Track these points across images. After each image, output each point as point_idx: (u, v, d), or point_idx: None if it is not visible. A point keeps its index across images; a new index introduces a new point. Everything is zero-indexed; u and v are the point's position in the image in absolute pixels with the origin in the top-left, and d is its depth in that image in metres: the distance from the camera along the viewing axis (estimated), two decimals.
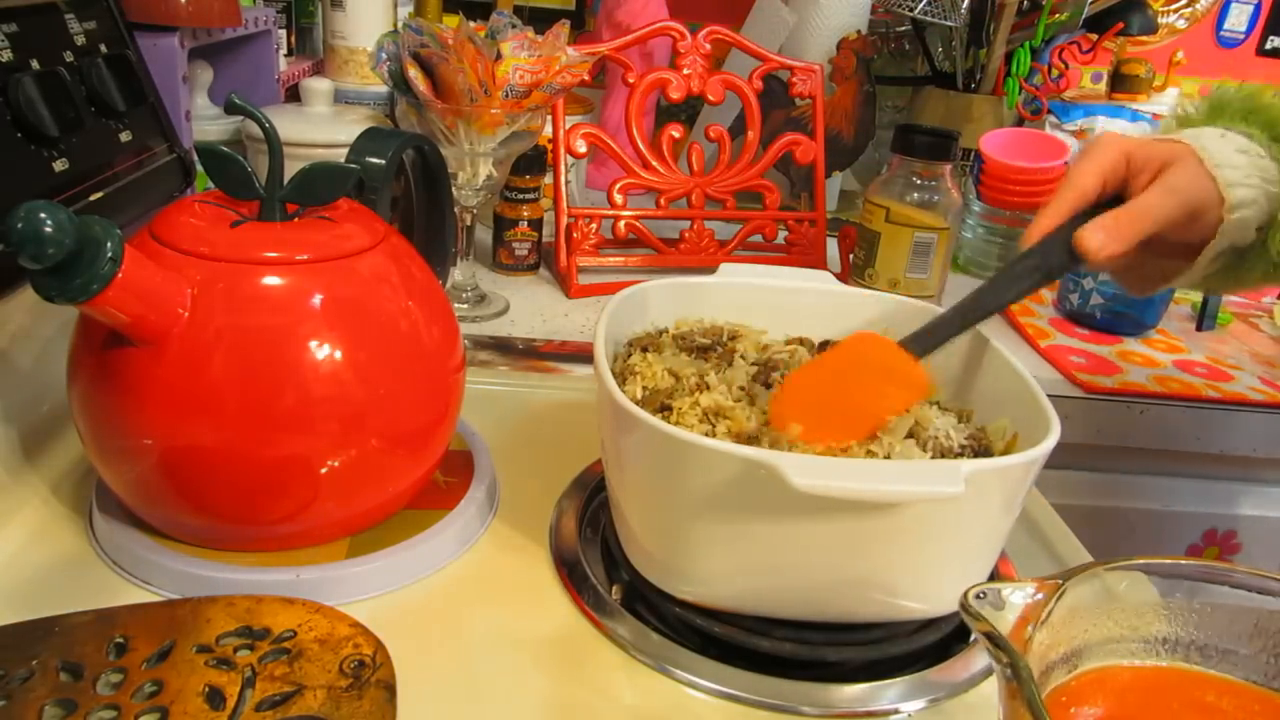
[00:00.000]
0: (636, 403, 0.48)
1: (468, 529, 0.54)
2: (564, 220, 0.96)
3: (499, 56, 0.76)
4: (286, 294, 0.46)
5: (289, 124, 0.85)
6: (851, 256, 1.02)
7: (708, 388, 0.52)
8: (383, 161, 0.56)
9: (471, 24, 0.75)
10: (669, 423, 0.46)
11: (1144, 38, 1.37)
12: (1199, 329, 0.97)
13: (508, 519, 0.57)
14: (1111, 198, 0.55)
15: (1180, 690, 0.37)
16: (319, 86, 0.92)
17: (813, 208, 1.06)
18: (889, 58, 1.34)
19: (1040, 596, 0.34)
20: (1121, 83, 1.29)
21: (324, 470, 0.47)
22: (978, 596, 0.33)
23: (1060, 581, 0.34)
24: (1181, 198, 0.53)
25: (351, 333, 0.47)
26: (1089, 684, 0.36)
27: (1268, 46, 1.47)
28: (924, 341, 0.53)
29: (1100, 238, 0.52)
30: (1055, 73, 1.20)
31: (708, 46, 0.98)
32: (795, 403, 0.49)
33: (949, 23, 1.12)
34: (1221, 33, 1.47)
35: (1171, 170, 0.54)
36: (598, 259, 0.97)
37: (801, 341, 0.59)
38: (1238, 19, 1.46)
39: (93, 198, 0.61)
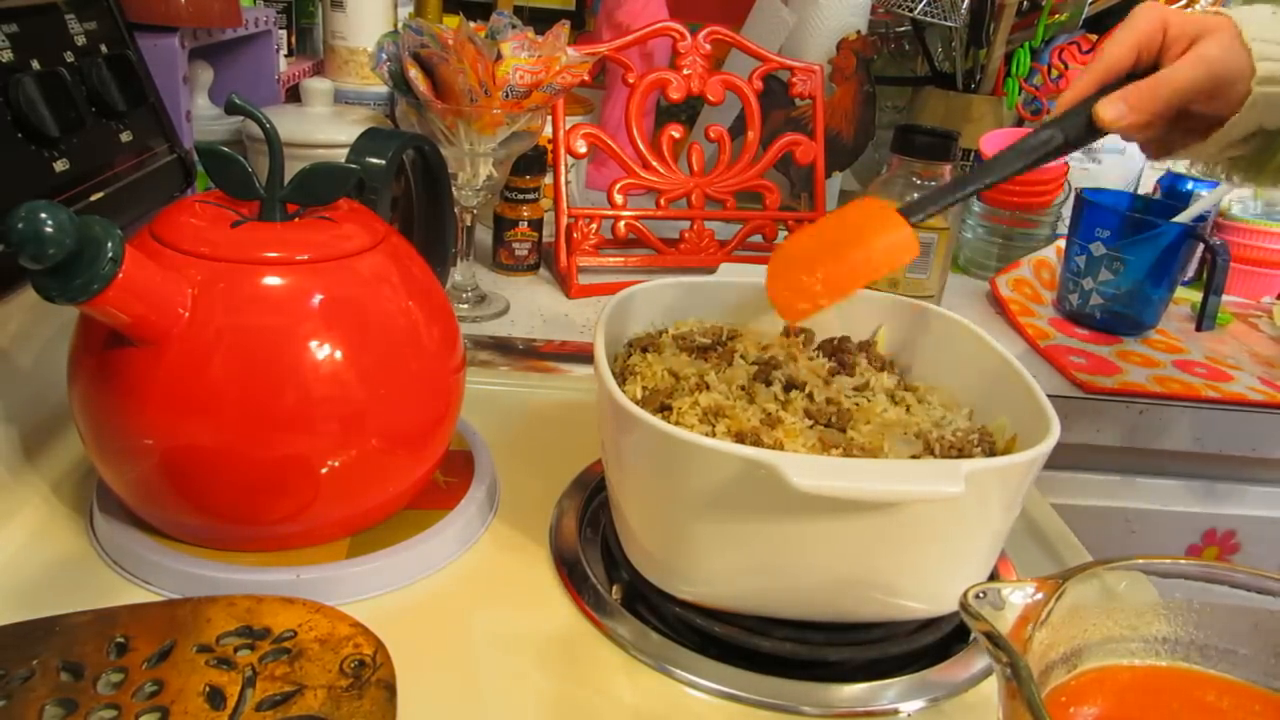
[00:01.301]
0: (636, 403, 0.48)
1: (468, 529, 0.54)
2: (564, 220, 0.96)
3: (499, 57, 0.76)
4: (287, 294, 0.46)
5: (289, 124, 0.85)
6: None
7: (708, 387, 0.52)
8: (383, 162, 0.56)
9: (472, 24, 0.75)
10: (669, 422, 0.46)
11: None
12: (1198, 329, 0.97)
13: (508, 519, 0.57)
14: (1148, 68, 0.55)
15: (1180, 690, 0.37)
16: (319, 87, 0.92)
17: (813, 208, 1.06)
18: (889, 58, 1.34)
19: (1040, 596, 0.34)
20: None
21: (324, 470, 0.47)
22: (977, 596, 0.33)
23: (1060, 581, 0.34)
24: (1210, 68, 0.53)
25: (352, 333, 0.47)
26: (1089, 684, 0.36)
27: None
28: (925, 202, 0.54)
29: (1119, 108, 0.53)
30: (1055, 73, 1.20)
31: (708, 47, 0.98)
32: (791, 259, 0.52)
33: (949, 23, 1.12)
34: None
35: (1205, 40, 0.53)
36: (598, 259, 0.97)
37: (803, 339, 0.59)
38: None
39: (93, 198, 0.61)
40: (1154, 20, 0.55)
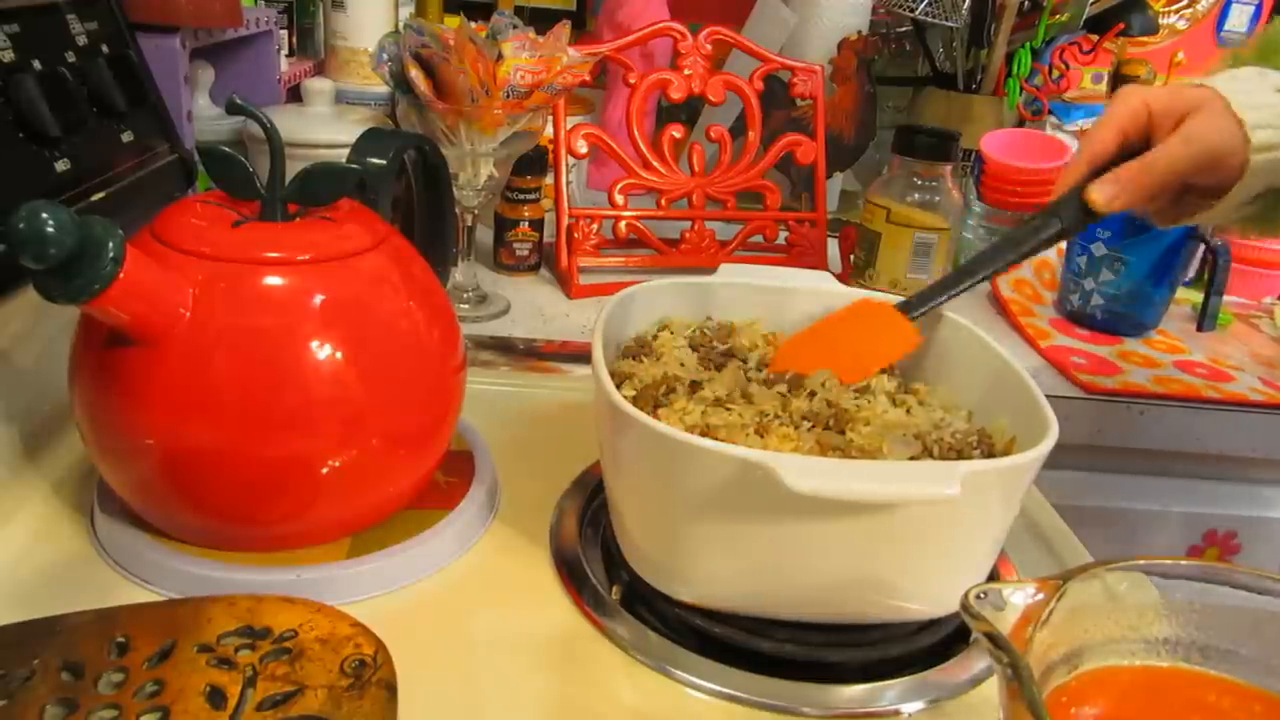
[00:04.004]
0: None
1: (468, 529, 0.54)
2: (565, 221, 0.96)
3: (500, 57, 0.76)
4: (288, 294, 0.46)
5: (290, 124, 0.85)
6: (852, 257, 1.02)
7: (703, 386, 0.52)
8: (384, 162, 0.56)
9: (472, 24, 0.75)
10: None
11: (1145, 38, 1.37)
12: (1199, 329, 0.97)
13: (508, 519, 0.57)
14: (1136, 150, 0.55)
15: (1181, 690, 0.37)
16: (320, 87, 0.92)
17: (813, 208, 1.06)
18: (890, 58, 1.34)
19: (1041, 597, 0.34)
20: (1122, 83, 1.29)
21: (325, 470, 0.47)
22: (978, 597, 0.33)
23: (1061, 582, 0.34)
24: (1201, 145, 0.52)
25: (352, 333, 0.47)
26: (1089, 684, 0.36)
27: None
28: (923, 298, 0.56)
29: (1110, 190, 0.53)
30: (1056, 73, 1.20)
31: (709, 47, 0.98)
32: (793, 357, 0.55)
33: (950, 23, 1.12)
34: (1222, 33, 1.47)
35: (1193, 117, 0.53)
36: (599, 259, 0.97)
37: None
38: (1238, 19, 1.46)
39: (94, 198, 0.61)
40: (1137, 102, 0.54)
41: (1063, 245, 1.04)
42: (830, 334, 0.57)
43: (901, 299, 0.58)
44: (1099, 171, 0.54)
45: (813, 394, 0.52)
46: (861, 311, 0.58)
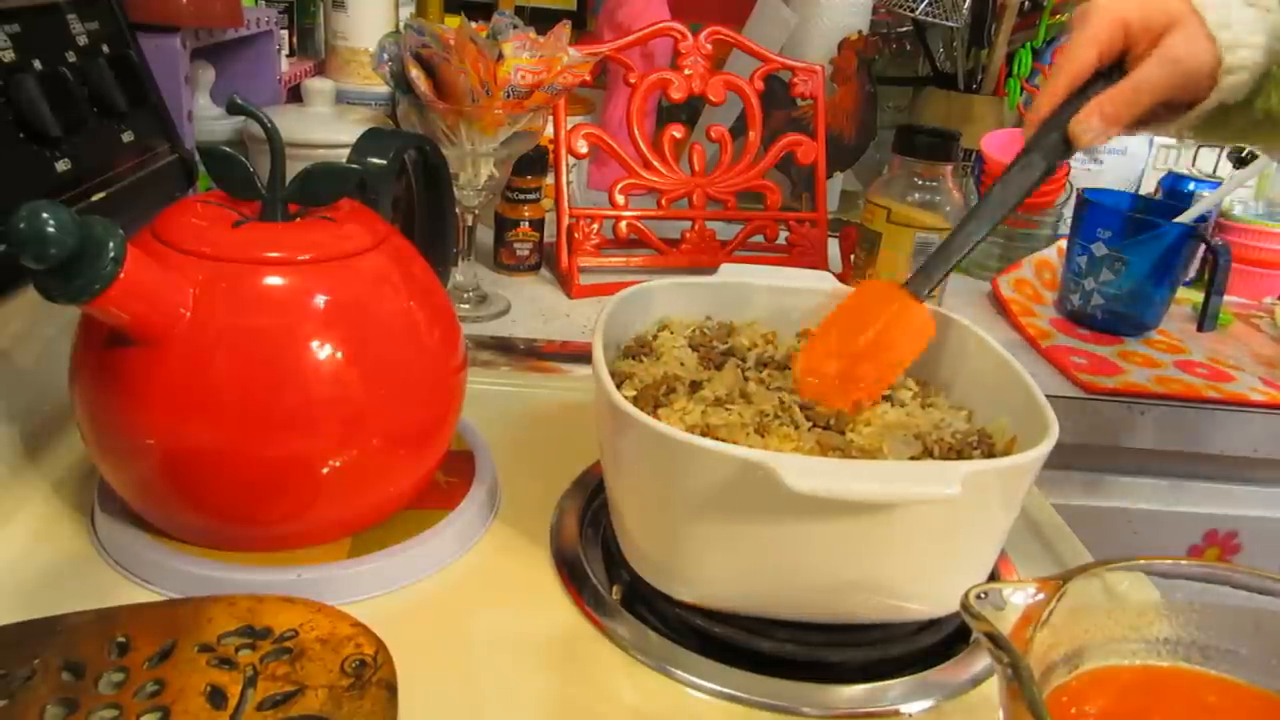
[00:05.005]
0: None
1: (469, 529, 0.54)
2: (565, 221, 0.96)
3: (500, 57, 0.76)
4: (288, 294, 0.46)
5: (291, 124, 0.85)
6: (852, 257, 1.02)
7: (703, 386, 0.52)
8: (384, 162, 0.56)
9: (473, 24, 0.75)
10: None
11: None
12: (1200, 329, 0.97)
13: (509, 519, 0.57)
14: (1110, 67, 0.54)
15: (1181, 690, 0.37)
16: (321, 87, 0.92)
17: (814, 208, 1.06)
18: (890, 58, 1.34)
19: (1041, 597, 0.34)
20: None
21: (325, 470, 0.47)
22: (979, 597, 0.33)
23: (1061, 582, 0.34)
24: (1182, 67, 0.52)
25: (353, 333, 0.47)
26: (1090, 684, 0.36)
27: None
28: (928, 274, 0.54)
29: (1096, 124, 0.52)
30: None
31: (709, 47, 0.98)
32: (816, 368, 0.53)
33: (950, 23, 1.12)
34: None
35: (1171, 36, 0.52)
36: (599, 259, 0.97)
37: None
38: None
39: (95, 198, 0.61)
40: (1113, 19, 0.53)
41: (1063, 245, 1.04)
42: (850, 333, 0.53)
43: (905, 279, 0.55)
44: (1076, 93, 0.53)
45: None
46: (871, 301, 0.55)
